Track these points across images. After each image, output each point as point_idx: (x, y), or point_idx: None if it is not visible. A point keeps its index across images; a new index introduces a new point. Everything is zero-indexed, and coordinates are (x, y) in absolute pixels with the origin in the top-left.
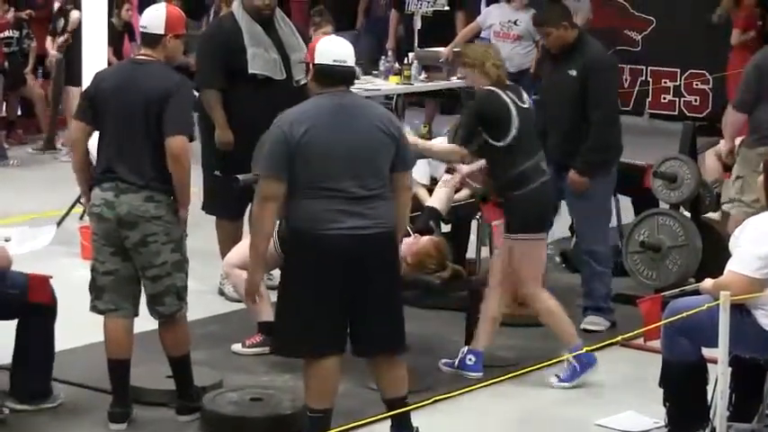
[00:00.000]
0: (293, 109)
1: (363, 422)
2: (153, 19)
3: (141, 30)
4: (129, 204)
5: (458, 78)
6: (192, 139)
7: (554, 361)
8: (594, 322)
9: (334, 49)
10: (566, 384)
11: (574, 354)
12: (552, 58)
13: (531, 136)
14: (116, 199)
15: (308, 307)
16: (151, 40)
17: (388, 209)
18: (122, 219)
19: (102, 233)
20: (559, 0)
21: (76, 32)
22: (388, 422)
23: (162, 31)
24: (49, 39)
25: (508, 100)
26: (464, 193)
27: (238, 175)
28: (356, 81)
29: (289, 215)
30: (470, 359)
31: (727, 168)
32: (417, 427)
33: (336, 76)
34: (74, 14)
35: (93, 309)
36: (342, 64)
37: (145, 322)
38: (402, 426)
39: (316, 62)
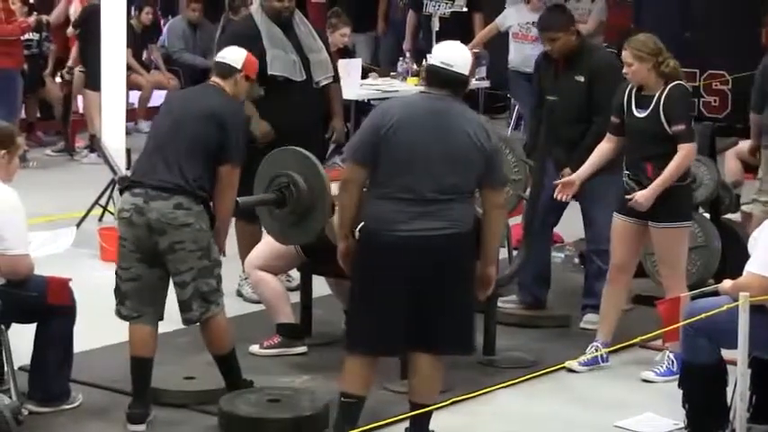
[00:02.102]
0: (396, 98)
1: (380, 424)
2: (233, 55)
3: (218, 59)
4: (159, 211)
5: (475, 80)
6: (240, 167)
7: (573, 362)
8: (593, 321)
9: (444, 52)
10: (661, 378)
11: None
12: (555, 63)
13: None
14: (146, 205)
15: (367, 307)
16: (225, 70)
17: (463, 212)
18: (152, 225)
19: (132, 239)
20: (563, 5)
21: (94, 34)
22: (404, 423)
23: (239, 66)
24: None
25: None
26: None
27: (238, 198)
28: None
29: (362, 213)
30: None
31: (748, 169)
32: (433, 431)
33: (438, 78)
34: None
35: (118, 313)
36: (448, 67)
37: (163, 324)
38: (422, 429)
39: (429, 62)
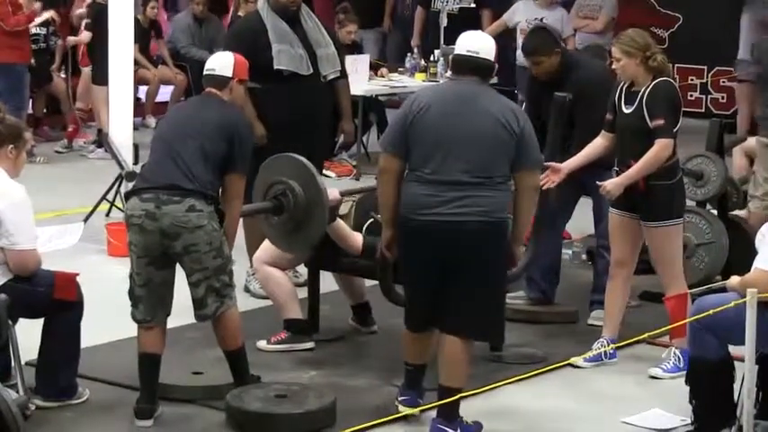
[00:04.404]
0: (426, 87)
1: (389, 419)
2: (221, 63)
3: (208, 72)
4: (172, 216)
5: None
6: (246, 177)
7: (579, 358)
8: (601, 317)
9: (469, 41)
10: (668, 375)
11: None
12: (541, 83)
13: None
14: (158, 210)
15: (407, 286)
16: (218, 81)
17: (494, 200)
18: (165, 230)
19: (142, 244)
20: (546, 27)
21: (102, 30)
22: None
23: (230, 74)
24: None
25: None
26: None
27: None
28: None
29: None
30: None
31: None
32: (462, 417)
33: (466, 65)
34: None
35: (133, 317)
36: (474, 54)
37: (171, 319)
38: (447, 416)
39: (454, 53)
